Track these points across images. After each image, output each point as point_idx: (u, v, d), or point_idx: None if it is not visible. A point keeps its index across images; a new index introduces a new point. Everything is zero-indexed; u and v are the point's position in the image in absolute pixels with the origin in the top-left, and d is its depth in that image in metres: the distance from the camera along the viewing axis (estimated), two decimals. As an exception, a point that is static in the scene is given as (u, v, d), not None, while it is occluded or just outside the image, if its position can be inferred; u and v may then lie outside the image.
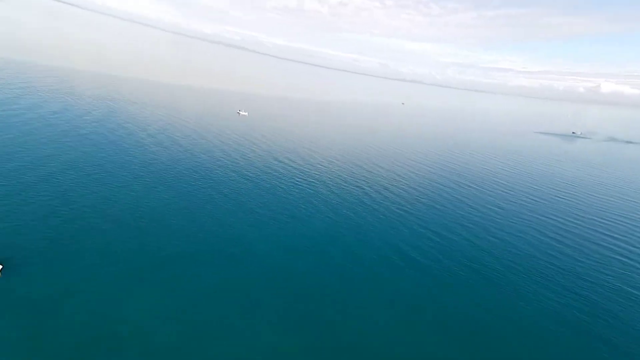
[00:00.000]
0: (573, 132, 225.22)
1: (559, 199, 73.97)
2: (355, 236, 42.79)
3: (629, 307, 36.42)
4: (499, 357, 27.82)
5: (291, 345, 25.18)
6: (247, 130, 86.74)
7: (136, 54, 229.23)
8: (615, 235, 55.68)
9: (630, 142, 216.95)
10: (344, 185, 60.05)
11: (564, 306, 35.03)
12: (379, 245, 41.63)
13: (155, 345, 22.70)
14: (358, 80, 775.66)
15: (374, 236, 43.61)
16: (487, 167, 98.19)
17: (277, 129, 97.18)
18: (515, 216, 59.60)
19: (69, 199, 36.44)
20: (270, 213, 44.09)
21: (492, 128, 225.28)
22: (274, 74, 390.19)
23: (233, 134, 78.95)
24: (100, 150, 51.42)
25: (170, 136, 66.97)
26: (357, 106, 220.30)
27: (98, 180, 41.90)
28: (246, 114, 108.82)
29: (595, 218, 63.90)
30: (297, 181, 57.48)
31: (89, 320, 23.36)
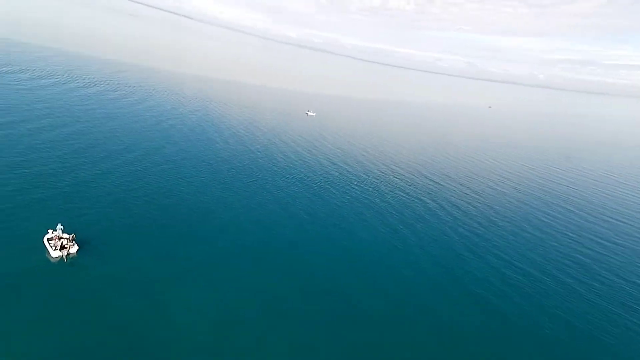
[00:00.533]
0: None
1: None
2: (407, 257, 37.29)
3: None
4: None
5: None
6: (311, 131, 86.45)
7: (226, 58, 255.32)
8: None
9: None
10: (404, 197, 53.96)
11: None
12: (435, 272, 35.46)
13: (196, 340, 22.88)
14: (439, 81, 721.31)
15: (430, 260, 37.38)
16: (602, 189, 78.08)
17: (343, 131, 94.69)
18: None
19: (139, 188, 40.22)
20: (316, 220, 41.77)
21: (614, 139, 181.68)
22: (348, 75, 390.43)
23: (296, 135, 79.35)
24: (173, 144, 56.58)
25: (236, 134, 70.45)
26: (433, 109, 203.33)
27: (165, 172, 45.59)
28: (314, 114, 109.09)
29: None
30: (352, 188, 53.86)
31: (143, 306, 24.63)
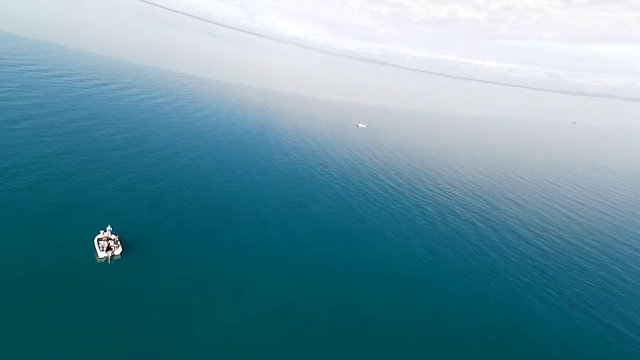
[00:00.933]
0: None
1: None
2: (455, 296, 31.49)
3: None
4: None
5: None
6: (357, 144, 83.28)
7: (284, 71, 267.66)
8: None
9: None
10: (457, 223, 47.21)
11: None
12: (490, 320, 29.14)
13: (224, 348, 22.38)
14: (512, 93, 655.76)
15: (484, 304, 30.97)
16: None
17: (393, 145, 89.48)
18: None
19: (187, 195, 41.25)
20: (353, 240, 38.18)
21: None
22: (406, 86, 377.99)
23: (341, 147, 76.93)
24: (221, 151, 58.47)
25: (282, 143, 70.67)
26: (502, 123, 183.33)
27: (210, 180, 46.63)
28: (364, 126, 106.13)
29: None
30: (396, 208, 48.99)
31: (176, 312, 24.61)
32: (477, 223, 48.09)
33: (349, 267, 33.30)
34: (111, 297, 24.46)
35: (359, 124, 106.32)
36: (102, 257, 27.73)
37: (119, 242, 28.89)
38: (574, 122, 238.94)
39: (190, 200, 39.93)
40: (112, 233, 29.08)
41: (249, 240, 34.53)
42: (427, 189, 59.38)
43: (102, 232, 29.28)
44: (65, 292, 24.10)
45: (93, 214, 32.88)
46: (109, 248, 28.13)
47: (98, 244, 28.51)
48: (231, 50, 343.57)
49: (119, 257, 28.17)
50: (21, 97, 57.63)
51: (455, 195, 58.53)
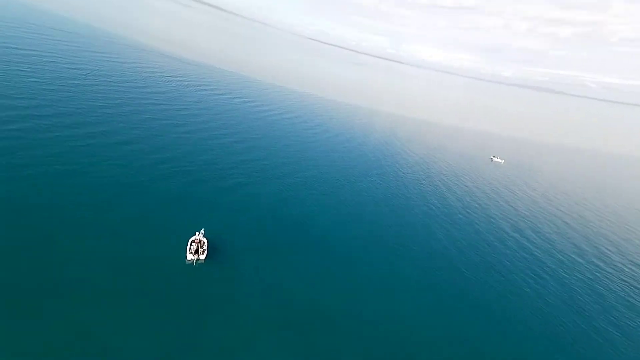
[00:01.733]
0: None
1: None
2: None
3: None
4: None
5: None
6: (483, 181, 69.10)
7: (418, 97, 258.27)
8: None
9: None
10: (631, 321, 30.89)
11: None
12: None
13: None
14: None
15: None
16: None
17: (537, 188, 70.07)
18: None
19: (286, 212, 40.74)
20: (450, 306, 30.16)
21: None
22: (575, 118, 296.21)
23: (461, 183, 65.23)
24: (324, 169, 58.28)
25: (396, 170, 66.06)
26: None
27: (317, 199, 46.12)
28: (501, 161, 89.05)
29: None
30: (532, 278, 36.15)
31: (243, 326, 24.25)
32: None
33: (440, 343, 26.33)
34: (186, 300, 24.98)
35: (494, 158, 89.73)
36: (190, 259, 28.27)
37: (205, 246, 29.21)
38: None
39: (280, 214, 39.76)
40: (203, 236, 29.75)
41: (332, 265, 32.14)
42: (583, 258, 42.34)
43: (197, 233, 29.95)
44: (146, 289, 24.98)
45: (200, 213, 34.47)
46: (196, 251, 28.65)
47: (190, 246, 29.24)
48: (370, 77, 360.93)
49: (203, 261, 28.41)
50: (191, 112, 74.46)
51: (635, 273, 39.31)
